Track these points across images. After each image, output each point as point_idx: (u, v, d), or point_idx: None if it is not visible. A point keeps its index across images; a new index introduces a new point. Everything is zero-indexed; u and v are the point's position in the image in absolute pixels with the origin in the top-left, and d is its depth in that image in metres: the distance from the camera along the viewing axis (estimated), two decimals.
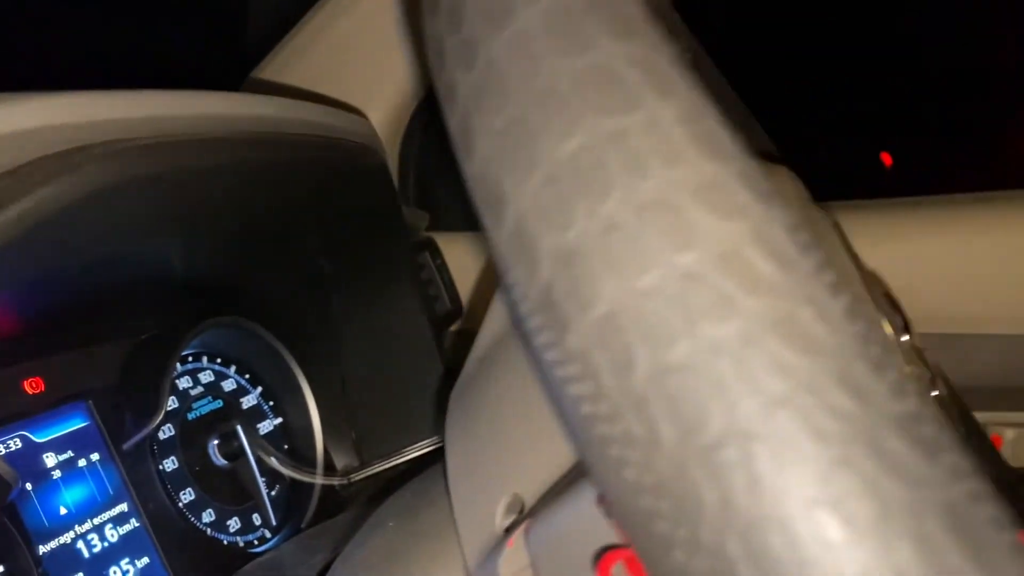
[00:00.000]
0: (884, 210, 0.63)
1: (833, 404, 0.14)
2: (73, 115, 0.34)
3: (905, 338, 0.38)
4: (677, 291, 0.15)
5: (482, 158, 0.18)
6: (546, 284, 0.17)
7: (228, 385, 0.59)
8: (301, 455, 0.61)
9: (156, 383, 0.51)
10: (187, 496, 0.53)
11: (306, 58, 0.69)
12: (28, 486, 0.44)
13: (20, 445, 0.44)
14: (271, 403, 0.61)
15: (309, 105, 0.49)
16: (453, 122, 0.19)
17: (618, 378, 0.16)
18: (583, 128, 0.16)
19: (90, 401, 0.49)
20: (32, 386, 0.46)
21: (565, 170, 0.16)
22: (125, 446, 0.50)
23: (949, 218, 0.60)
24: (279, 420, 0.61)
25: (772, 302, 0.15)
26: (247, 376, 0.61)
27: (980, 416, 0.48)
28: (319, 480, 0.60)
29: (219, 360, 0.59)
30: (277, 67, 0.71)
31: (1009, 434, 0.54)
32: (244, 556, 0.54)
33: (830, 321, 0.15)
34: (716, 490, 0.15)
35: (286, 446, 0.61)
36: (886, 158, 1.49)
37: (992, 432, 0.55)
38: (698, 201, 0.16)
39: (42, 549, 0.43)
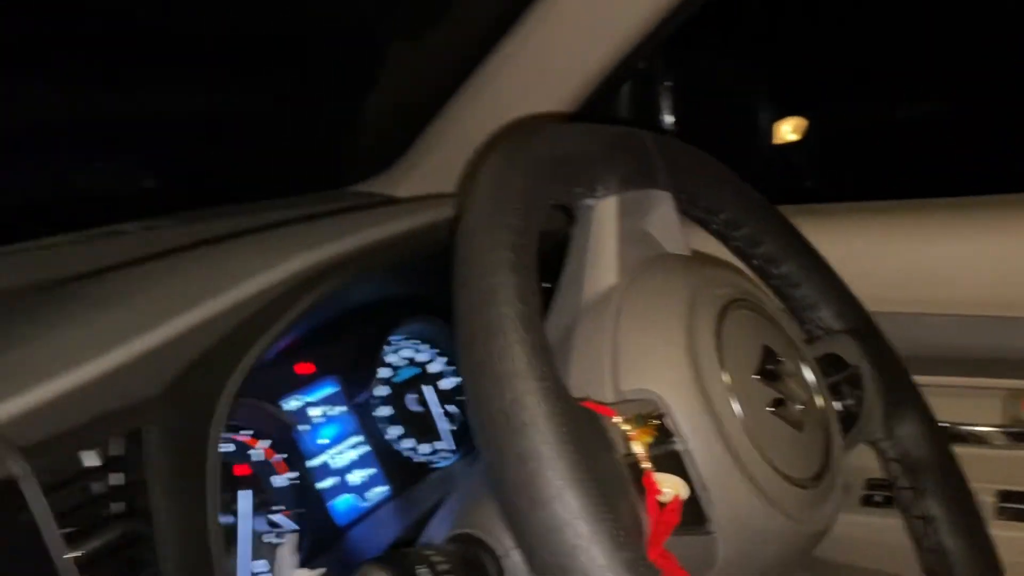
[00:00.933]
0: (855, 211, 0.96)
1: None
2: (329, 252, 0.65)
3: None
4: None
5: None
6: None
7: (422, 357, 0.91)
8: None
9: (374, 360, 0.83)
10: (395, 432, 0.85)
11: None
12: (301, 428, 0.77)
13: (299, 404, 0.78)
14: (452, 368, 0.92)
15: None
16: None
17: None
18: None
19: (337, 375, 0.82)
20: (303, 368, 0.79)
21: None
22: (357, 401, 0.82)
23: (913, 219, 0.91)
24: (456, 380, 0.92)
25: None
26: (436, 350, 0.92)
27: (923, 380, 0.71)
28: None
29: (418, 340, 0.91)
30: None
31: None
32: (430, 469, 0.86)
33: None
34: None
35: (461, 397, 0.92)
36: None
37: None
38: None
39: (309, 464, 0.76)
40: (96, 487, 0.54)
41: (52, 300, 0.62)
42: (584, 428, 0.43)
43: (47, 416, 0.49)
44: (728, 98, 1.40)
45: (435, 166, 1.04)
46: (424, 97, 1.06)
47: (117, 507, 0.55)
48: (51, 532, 0.42)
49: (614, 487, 0.44)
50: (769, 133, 1.48)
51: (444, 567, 0.49)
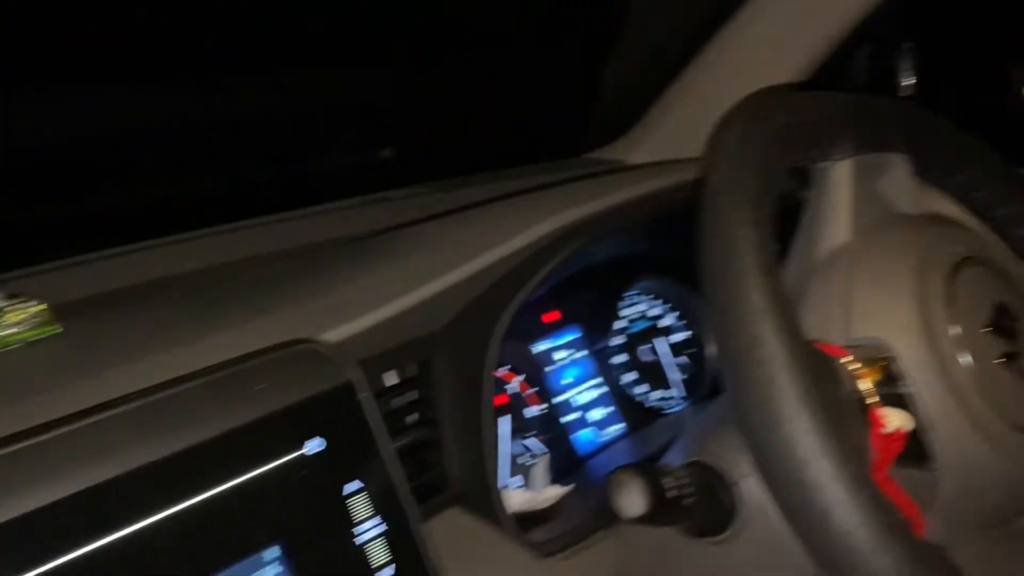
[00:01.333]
0: None
1: None
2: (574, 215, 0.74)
3: None
4: None
5: None
6: None
7: (655, 311, 0.98)
8: (698, 356, 0.98)
9: (612, 312, 0.92)
10: (629, 377, 0.94)
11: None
12: (548, 368, 0.87)
13: (546, 347, 0.88)
14: (683, 322, 0.99)
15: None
16: None
17: None
18: None
19: (579, 324, 0.91)
20: (550, 316, 0.89)
21: None
22: (596, 348, 0.91)
23: None
24: (688, 333, 0.99)
25: None
26: (668, 305, 0.99)
27: None
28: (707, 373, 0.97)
29: (651, 296, 0.98)
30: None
31: None
32: (661, 414, 0.94)
33: None
34: None
35: (691, 350, 0.98)
36: None
37: None
38: None
39: (556, 400, 0.86)
40: (395, 401, 0.67)
41: (356, 252, 0.75)
42: (816, 363, 0.49)
43: (365, 341, 0.61)
44: (971, 58, 1.34)
45: (667, 134, 1.10)
46: (658, 67, 1.12)
47: (411, 418, 0.68)
48: (378, 426, 0.54)
49: (842, 416, 0.49)
50: (1017, 94, 1.40)
51: (684, 483, 0.57)
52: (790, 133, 0.59)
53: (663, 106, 1.11)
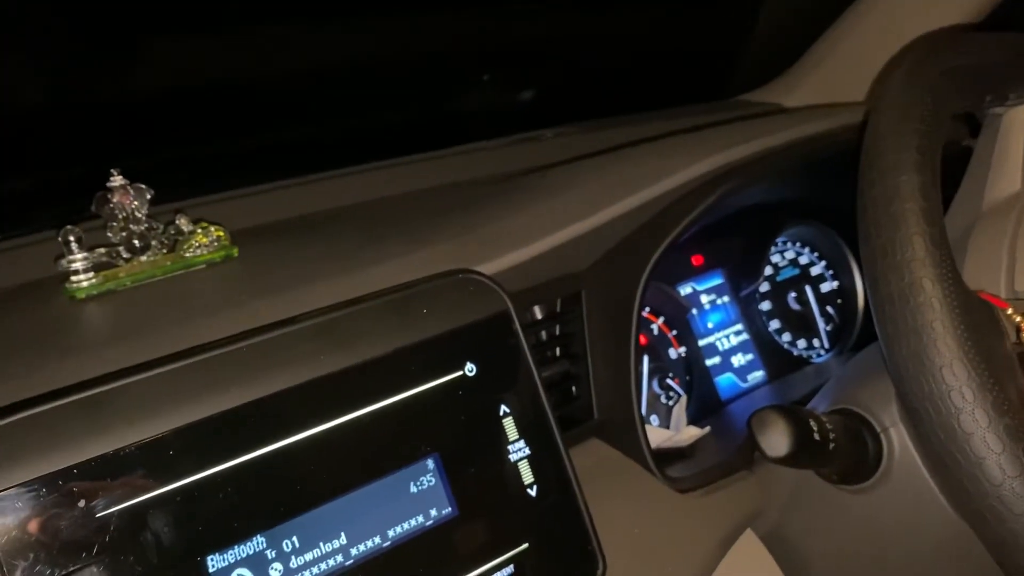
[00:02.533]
0: None
1: None
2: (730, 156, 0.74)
3: None
4: None
5: None
6: None
7: (804, 259, 0.96)
8: (848, 307, 0.96)
9: (760, 258, 0.91)
10: (774, 324, 0.93)
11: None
12: (694, 311, 0.88)
13: (691, 290, 0.89)
14: (831, 272, 0.97)
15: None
16: None
17: None
18: None
19: (725, 268, 0.91)
20: (696, 260, 0.90)
21: None
22: (741, 294, 0.91)
23: None
24: (836, 283, 0.96)
25: None
26: (816, 254, 0.97)
27: None
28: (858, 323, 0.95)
29: (799, 244, 0.97)
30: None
31: None
32: (805, 363, 0.93)
33: None
34: None
35: (839, 300, 0.96)
36: None
37: None
38: None
39: (699, 343, 0.87)
40: (542, 334, 0.70)
41: (509, 189, 0.78)
42: (976, 313, 0.48)
43: (516, 275, 0.64)
44: None
45: (826, 76, 1.07)
46: (819, 6, 1.08)
47: (557, 352, 0.70)
48: (528, 354, 0.57)
49: (1001, 367, 0.48)
50: None
51: (829, 428, 0.57)
52: (964, 76, 0.56)
53: (822, 47, 1.07)
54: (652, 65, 1.31)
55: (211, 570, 0.44)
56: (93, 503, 0.42)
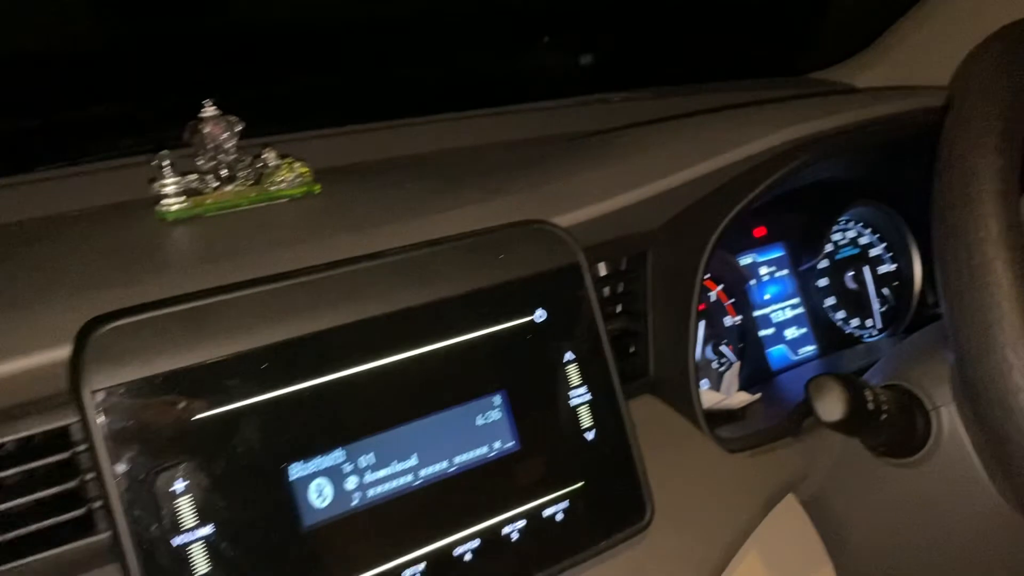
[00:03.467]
0: None
1: None
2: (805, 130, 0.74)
3: None
4: None
5: None
6: None
7: (864, 240, 0.97)
8: (904, 290, 0.97)
9: (822, 235, 0.92)
10: (829, 301, 0.94)
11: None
12: (752, 282, 0.89)
13: (751, 261, 0.90)
14: (891, 254, 0.97)
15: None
16: None
17: None
18: None
19: (785, 242, 0.92)
20: (758, 231, 0.91)
21: None
22: (800, 268, 0.92)
23: None
24: (894, 266, 0.97)
25: None
26: (878, 235, 0.97)
27: None
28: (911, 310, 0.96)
29: (861, 224, 0.97)
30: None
31: None
32: (856, 341, 0.94)
33: None
34: None
35: (895, 283, 0.97)
36: None
37: None
38: None
39: (755, 313, 0.88)
40: (605, 290, 0.72)
41: (582, 147, 0.79)
42: None
43: (587, 230, 0.66)
44: None
45: (903, 58, 1.06)
46: None
47: (618, 308, 0.72)
48: (595, 306, 0.59)
49: None
50: None
51: (883, 400, 0.59)
52: None
53: (901, 28, 1.07)
54: (724, 36, 1.30)
55: (292, 478, 0.47)
56: (190, 406, 0.45)
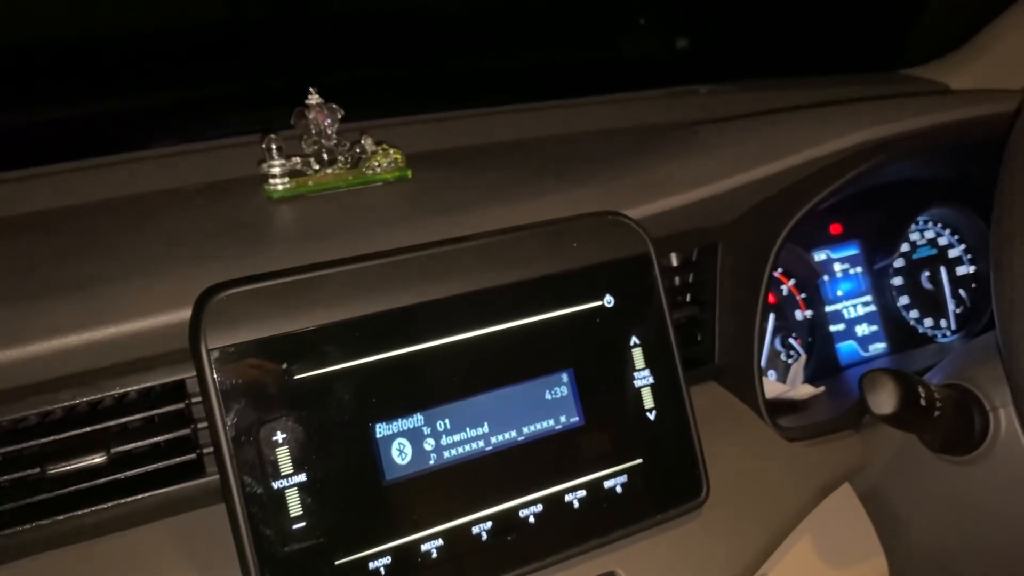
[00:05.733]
0: None
1: None
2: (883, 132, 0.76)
3: None
4: None
5: None
6: None
7: (943, 241, 0.97)
8: (981, 292, 0.97)
9: (899, 234, 0.93)
10: (903, 300, 0.95)
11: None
12: (825, 278, 0.91)
13: (825, 257, 0.91)
14: (969, 256, 0.97)
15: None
16: None
17: None
18: None
19: (861, 240, 0.93)
20: (834, 228, 0.92)
21: None
22: (875, 267, 0.93)
23: None
24: (972, 268, 0.97)
25: None
26: (957, 237, 0.97)
27: None
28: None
29: (940, 225, 0.97)
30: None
31: None
32: (928, 341, 0.95)
33: None
34: None
35: (973, 285, 0.97)
36: None
37: None
38: None
39: (826, 308, 0.90)
40: (676, 279, 0.75)
41: (660, 139, 0.82)
42: None
43: (659, 222, 0.69)
44: None
45: (998, 59, 1.05)
46: None
47: (688, 297, 0.76)
48: (662, 294, 0.63)
49: None
50: None
51: (938, 398, 0.60)
52: None
53: (999, 28, 1.05)
54: (817, 30, 1.30)
55: (378, 436, 0.53)
56: (292, 367, 0.51)
